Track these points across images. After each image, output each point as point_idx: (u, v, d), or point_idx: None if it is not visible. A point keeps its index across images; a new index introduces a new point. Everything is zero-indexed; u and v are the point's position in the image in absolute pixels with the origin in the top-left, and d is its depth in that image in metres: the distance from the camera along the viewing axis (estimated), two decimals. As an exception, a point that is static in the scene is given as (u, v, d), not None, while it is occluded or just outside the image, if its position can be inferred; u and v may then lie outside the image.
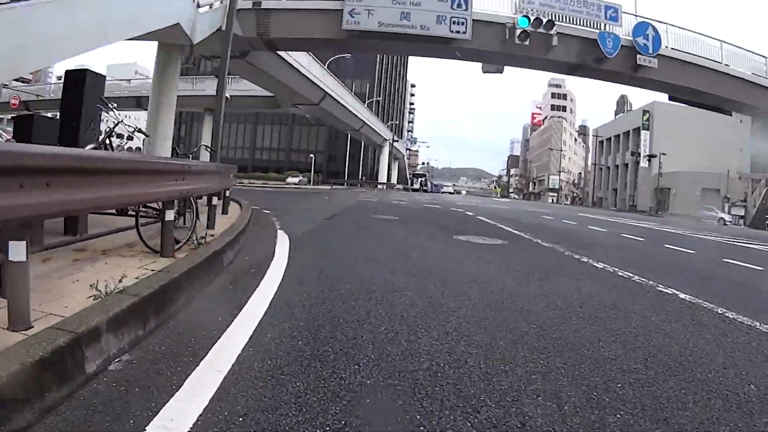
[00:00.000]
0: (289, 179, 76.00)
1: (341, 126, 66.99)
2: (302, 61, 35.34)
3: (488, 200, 57.05)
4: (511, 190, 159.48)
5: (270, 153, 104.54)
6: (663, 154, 63.89)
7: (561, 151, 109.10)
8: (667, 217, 50.82)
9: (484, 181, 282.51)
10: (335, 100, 48.05)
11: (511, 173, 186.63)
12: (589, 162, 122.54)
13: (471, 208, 28.47)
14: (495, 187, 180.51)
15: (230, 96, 49.25)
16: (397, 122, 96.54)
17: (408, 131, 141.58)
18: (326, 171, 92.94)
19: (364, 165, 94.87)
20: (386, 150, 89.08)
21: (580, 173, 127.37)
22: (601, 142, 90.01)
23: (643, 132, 74.01)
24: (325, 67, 43.68)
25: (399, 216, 16.80)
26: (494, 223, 16.34)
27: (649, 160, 65.48)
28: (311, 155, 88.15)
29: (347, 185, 74.00)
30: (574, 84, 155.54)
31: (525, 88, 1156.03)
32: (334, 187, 65.11)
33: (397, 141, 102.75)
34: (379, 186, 78.50)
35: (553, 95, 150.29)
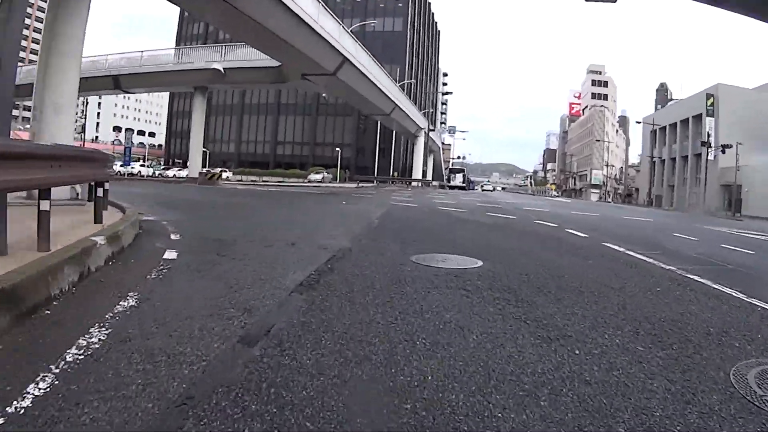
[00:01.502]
0: (311, 176, 68.04)
1: (367, 108, 56.48)
2: (309, 9, 26.92)
3: (545, 199, 48.19)
4: (548, 185, 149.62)
5: (293, 147, 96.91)
6: (740, 143, 54.19)
7: (608, 142, 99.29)
8: (748, 221, 41.51)
9: (516, 176, 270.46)
10: (357, 69, 38.56)
11: (547, 168, 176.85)
12: (633, 155, 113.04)
13: (558, 218, 19.05)
14: (531, 183, 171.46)
15: (224, 69, 41.29)
16: (430, 111, 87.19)
17: (441, 123, 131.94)
18: (354, 166, 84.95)
19: (395, 159, 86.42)
20: (421, 141, 78.52)
21: (621, 167, 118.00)
22: (653, 131, 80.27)
23: (707, 119, 64.63)
24: (342, 24, 34.92)
25: (486, 257, 7.41)
26: (700, 281, 7.63)
27: (723, 151, 55.91)
28: (337, 149, 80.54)
29: (377, 183, 65.35)
30: (613, 71, 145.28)
31: (558, 78, 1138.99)
32: (360, 184, 56.65)
33: (433, 131, 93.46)
34: (414, 183, 68.82)
35: (593, 83, 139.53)
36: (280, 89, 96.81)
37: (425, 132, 76.98)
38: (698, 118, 67.76)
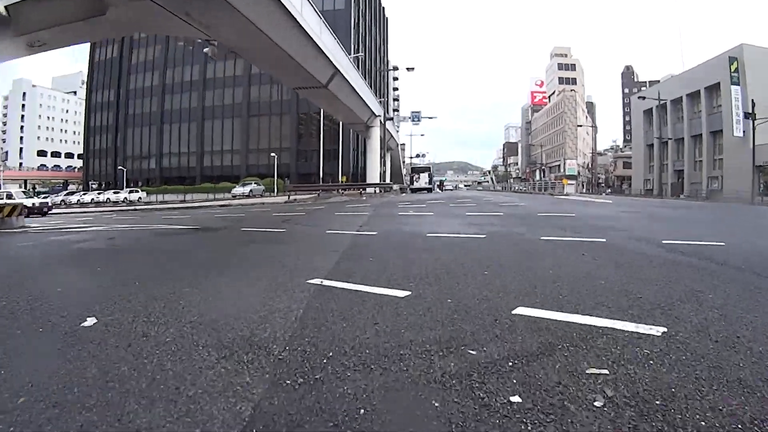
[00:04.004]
0: (236, 190, 51.07)
1: (285, 72, 33.98)
2: None
3: (577, 201, 28.32)
4: (511, 180, 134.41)
5: (222, 156, 78.51)
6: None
7: (591, 126, 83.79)
8: None
9: (471, 173, 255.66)
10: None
11: (509, 162, 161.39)
12: (602, 142, 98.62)
13: None
14: (493, 179, 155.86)
15: (5, 8, 22.26)
16: (382, 100, 68.92)
17: (393, 117, 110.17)
18: (295, 173, 67.72)
19: (344, 162, 68.99)
20: (376, 133, 58.08)
21: (591, 155, 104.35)
22: (647, 111, 65.34)
23: (732, 87, 49.77)
24: None
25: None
26: None
27: (777, 123, 41.05)
28: (273, 154, 63.47)
29: (319, 193, 46.46)
30: (576, 55, 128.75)
31: (510, 71, 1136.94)
32: (293, 197, 38.70)
33: (391, 119, 75.41)
34: (370, 190, 49.42)
35: (560, 66, 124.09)
36: (204, 89, 79.58)
37: (381, 121, 57.36)
38: (712, 89, 53.16)
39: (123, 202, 56.87)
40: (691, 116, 57.40)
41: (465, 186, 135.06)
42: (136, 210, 33.79)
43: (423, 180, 62.93)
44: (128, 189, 65.94)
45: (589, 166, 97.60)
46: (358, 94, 44.60)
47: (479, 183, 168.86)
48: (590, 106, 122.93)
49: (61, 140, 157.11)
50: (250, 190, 49.41)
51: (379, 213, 18.08)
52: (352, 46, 69.08)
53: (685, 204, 28.78)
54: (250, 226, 14.01)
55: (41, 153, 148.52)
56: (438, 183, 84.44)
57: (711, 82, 52.85)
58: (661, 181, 57.90)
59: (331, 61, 33.24)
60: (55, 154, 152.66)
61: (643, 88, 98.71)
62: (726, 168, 50.91)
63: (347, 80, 39.30)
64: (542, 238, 9.57)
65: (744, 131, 48.11)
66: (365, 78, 55.27)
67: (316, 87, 36.20)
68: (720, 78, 51.06)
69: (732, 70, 49.48)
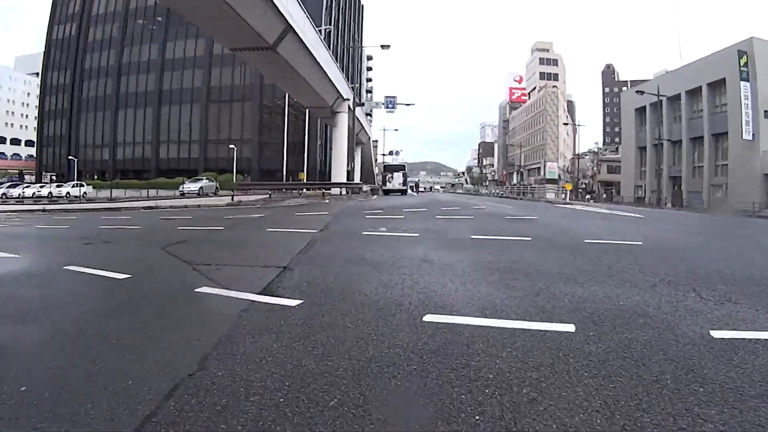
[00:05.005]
0: (184, 187, 43.94)
1: (217, 29, 27.24)
2: None
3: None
4: (486, 182, 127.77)
5: (179, 148, 70.17)
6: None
7: (579, 125, 77.29)
8: None
9: (444, 175, 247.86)
10: None
11: (484, 163, 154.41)
12: (583, 143, 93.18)
13: None
14: (467, 181, 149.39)
15: None
16: (354, 86, 60.20)
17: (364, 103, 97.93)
18: (257, 169, 60.59)
19: (311, 157, 61.80)
20: (344, 121, 47.54)
21: (572, 158, 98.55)
22: (639, 109, 59.41)
23: (741, 84, 43.83)
24: None
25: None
26: None
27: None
28: (232, 146, 56.19)
29: (270, 194, 37.34)
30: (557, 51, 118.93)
31: (487, 69, 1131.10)
32: (238, 198, 30.52)
33: (362, 105, 66.21)
34: (334, 191, 40.62)
35: (541, 61, 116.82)
36: (162, 70, 71.50)
37: (350, 106, 47.10)
38: (716, 85, 47.37)
39: (65, 197, 49.64)
40: (690, 116, 51.43)
41: (441, 188, 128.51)
42: (45, 211, 26.47)
43: (397, 180, 54.64)
44: (71, 183, 58.27)
45: (569, 169, 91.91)
46: (320, 65, 36.23)
47: (453, 185, 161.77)
48: (570, 105, 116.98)
49: (21, 126, 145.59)
50: (200, 188, 42.21)
51: (333, 231, 11.24)
52: (323, 30, 61.86)
53: (725, 219, 22.50)
54: (93, 263, 6.94)
55: (0, 140, 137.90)
56: (413, 184, 77.10)
57: (714, 78, 46.99)
58: (660, 187, 51.60)
59: (280, 12, 25.34)
60: (15, 141, 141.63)
61: (624, 88, 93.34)
62: (732, 175, 44.94)
63: (304, 43, 31.13)
64: (713, 334, 3.17)
65: (754, 134, 42.62)
66: (336, 61, 47.65)
67: (261, 48, 27.91)
68: (725, 74, 45.30)
69: (741, 65, 43.66)
